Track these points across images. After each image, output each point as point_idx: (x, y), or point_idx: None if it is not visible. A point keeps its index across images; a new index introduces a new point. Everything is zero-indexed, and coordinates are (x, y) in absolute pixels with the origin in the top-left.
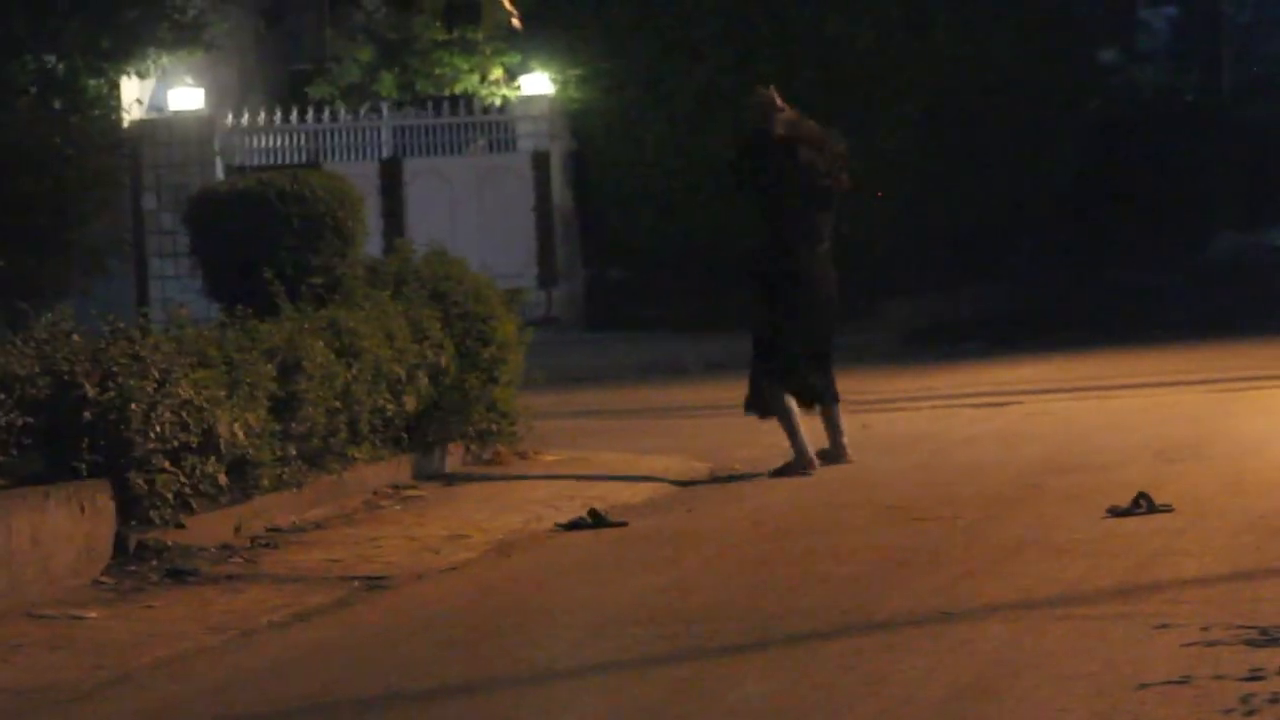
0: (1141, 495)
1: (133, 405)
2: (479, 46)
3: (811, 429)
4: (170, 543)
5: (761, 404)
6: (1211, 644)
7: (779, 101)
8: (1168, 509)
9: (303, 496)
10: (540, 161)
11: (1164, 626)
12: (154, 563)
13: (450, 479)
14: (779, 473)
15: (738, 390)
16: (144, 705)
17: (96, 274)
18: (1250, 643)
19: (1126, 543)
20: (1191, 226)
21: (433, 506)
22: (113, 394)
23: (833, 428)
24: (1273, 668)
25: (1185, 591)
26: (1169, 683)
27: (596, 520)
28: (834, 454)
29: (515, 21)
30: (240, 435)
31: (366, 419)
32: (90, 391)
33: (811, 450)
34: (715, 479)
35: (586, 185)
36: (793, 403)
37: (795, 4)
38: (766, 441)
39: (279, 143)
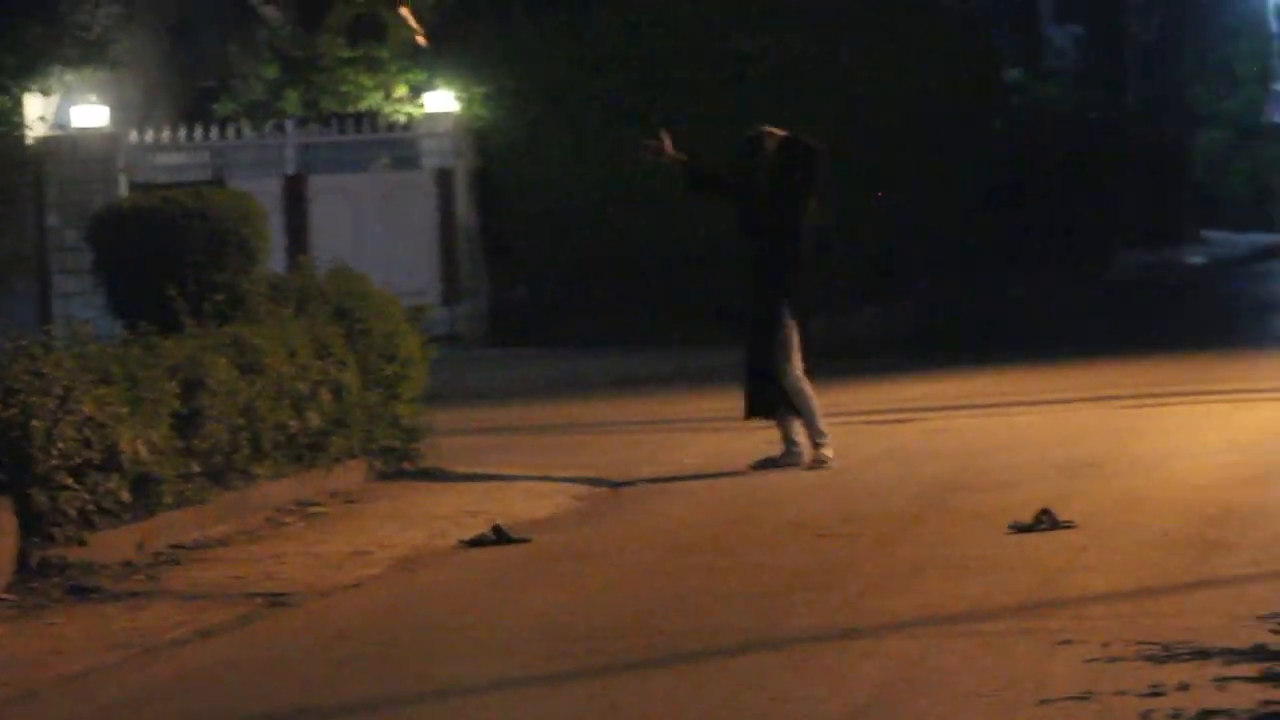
0: (1044, 512)
1: (35, 422)
2: (384, 64)
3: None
4: (73, 559)
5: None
6: (1113, 660)
7: (669, 147)
8: (1070, 525)
9: (205, 513)
10: (444, 179)
11: (1066, 643)
12: (56, 579)
13: (353, 496)
14: (766, 463)
15: (643, 406)
16: None
17: None
18: (1152, 659)
19: (1029, 559)
20: (1097, 244)
21: (336, 523)
22: (15, 411)
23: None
24: (1173, 684)
25: (1087, 608)
26: (1070, 699)
27: (500, 536)
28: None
29: (420, 39)
30: (143, 452)
31: (269, 435)
32: None
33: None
34: (619, 495)
35: (491, 202)
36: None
37: (701, 22)
38: (668, 458)
39: (183, 160)
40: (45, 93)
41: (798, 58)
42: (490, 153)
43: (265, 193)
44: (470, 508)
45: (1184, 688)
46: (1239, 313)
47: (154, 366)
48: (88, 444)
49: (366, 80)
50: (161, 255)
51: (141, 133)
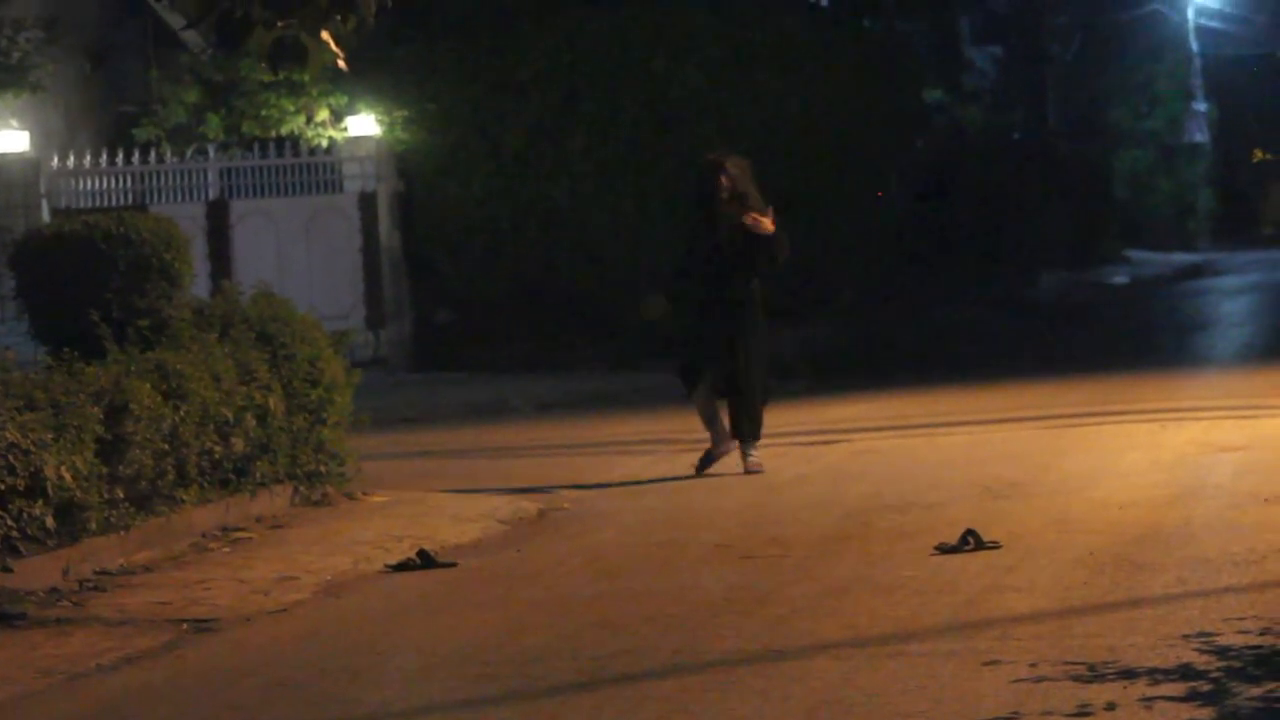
0: (969, 532)
1: None
2: (305, 88)
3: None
4: None
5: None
6: (1040, 680)
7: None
8: (996, 546)
9: (131, 539)
10: (367, 202)
11: (993, 663)
12: None
13: (279, 521)
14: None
15: (568, 429)
16: None
17: None
18: (1078, 678)
19: (955, 580)
20: (1019, 264)
21: (261, 548)
22: None
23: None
24: (1100, 703)
25: (1014, 628)
26: (998, 719)
27: (426, 561)
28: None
29: (341, 63)
30: (68, 478)
31: (194, 461)
32: None
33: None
34: (545, 518)
35: (414, 226)
36: None
37: (620, 43)
38: (594, 481)
39: (105, 185)
40: None
41: (718, 79)
42: (412, 176)
43: (188, 217)
44: (396, 532)
45: (1111, 708)
46: (1163, 333)
47: (78, 393)
48: (12, 470)
49: (288, 104)
50: (84, 281)
51: (63, 158)
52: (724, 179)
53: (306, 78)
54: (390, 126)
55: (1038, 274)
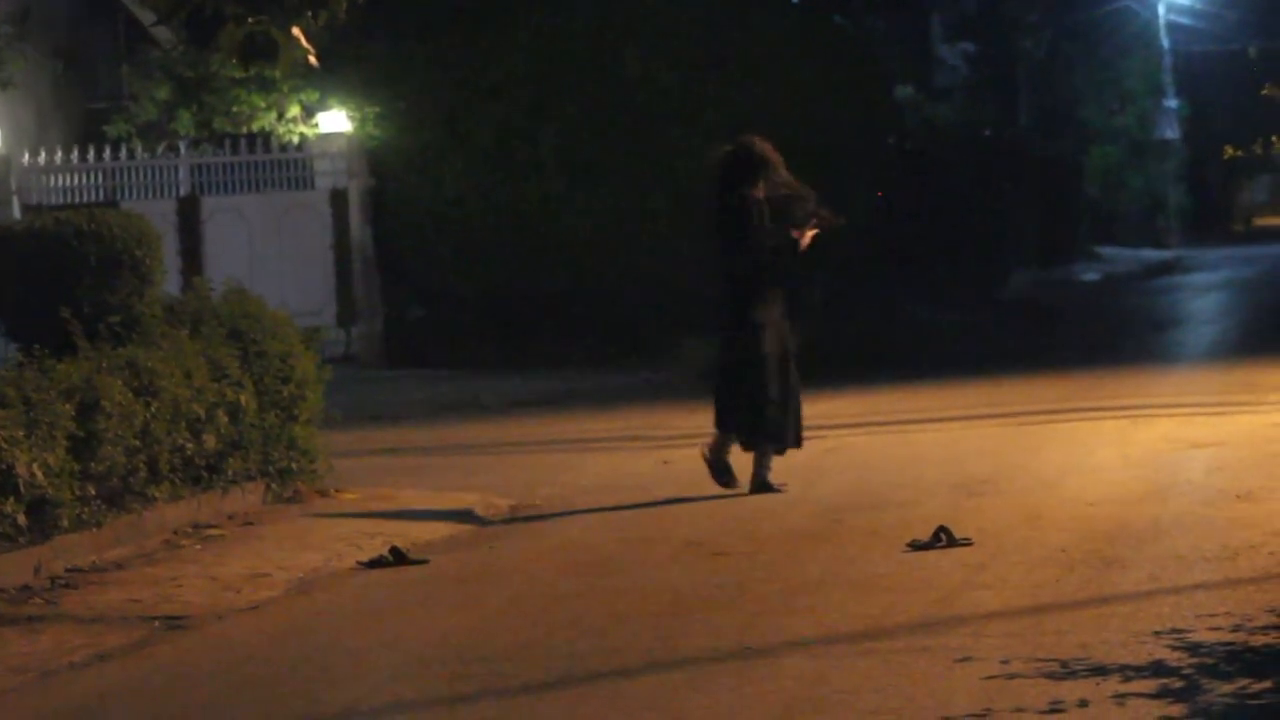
0: (942, 529)
1: None
2: (276, 84)
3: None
4: None
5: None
6: (1012, 677)
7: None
8: (968, 543)
9: (102, 536)
10: (338, 199)
11: (965, 660)
12: None
13: (250, 518)
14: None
15: (539, 427)
16: None
17: None
18: (1050, 675)
19: (927, 577)
20: (990, 262)
21: (233, 545)
22: None
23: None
24: (1073, 700)
25: (986, 625)
26: (970, 716)
27: (398, 558)
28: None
29: (312, 59)
30: (39, 475)
31: (166, 458)
32: None
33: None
34: (517, 516)
35: (385, 223)
36: None
37: (594, 42)
38: (565, 479)
39: (76, 181)
40: None
41: (689, 77)
42: (384, 173)
43: (159, 214)
44: (368, 529)
45: (1083, 704)
46: (1133, 329)
47: (49, 389)
48: None
49: (259, 100)
50: (55, 278)
51: (34, 154)
52: (779, 170)
53: (278, 74)
54: (362, 123)
55: (1008, 271)
